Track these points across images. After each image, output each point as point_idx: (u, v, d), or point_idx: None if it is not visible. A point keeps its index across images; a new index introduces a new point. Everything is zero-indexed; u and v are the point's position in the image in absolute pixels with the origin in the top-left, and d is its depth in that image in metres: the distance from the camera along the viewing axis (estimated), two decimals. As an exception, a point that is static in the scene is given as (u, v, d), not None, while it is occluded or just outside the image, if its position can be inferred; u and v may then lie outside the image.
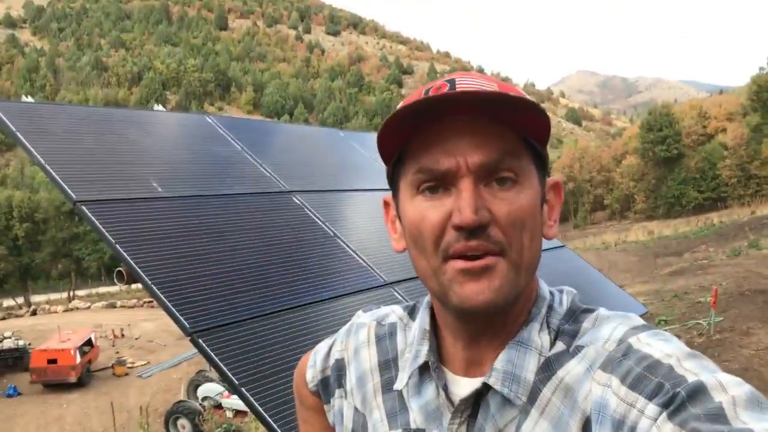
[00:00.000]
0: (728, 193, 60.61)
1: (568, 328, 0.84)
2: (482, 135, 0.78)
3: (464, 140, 0.78)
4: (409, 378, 0.91)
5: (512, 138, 0.79)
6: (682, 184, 62.98)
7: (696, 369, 0.69)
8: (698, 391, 0.65)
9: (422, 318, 0.95)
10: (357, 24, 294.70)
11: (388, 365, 0.98)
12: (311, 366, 1.12)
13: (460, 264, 0.77)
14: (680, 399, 0.65)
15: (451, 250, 0.78)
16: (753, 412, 0.62)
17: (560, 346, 0.82)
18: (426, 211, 0.80)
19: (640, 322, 0.82)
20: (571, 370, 0.79)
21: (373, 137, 7.53)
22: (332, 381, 1.07)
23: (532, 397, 0.81)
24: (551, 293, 0.90)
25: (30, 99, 4.73)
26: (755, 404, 0.63)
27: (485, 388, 0.83)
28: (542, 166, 0.85)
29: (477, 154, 0.77)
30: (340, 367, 1.05)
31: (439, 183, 0.79)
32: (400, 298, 4.43)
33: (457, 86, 0.80)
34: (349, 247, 4.71)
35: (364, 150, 6.57)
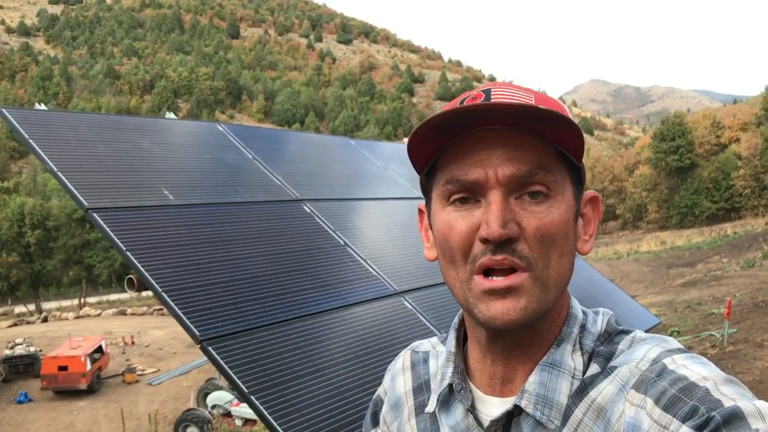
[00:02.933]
0: (742, 203, 60.24)
1: (603, 350, 0.83)
2: (514, 147, 0.77)
3: (496, 152, 0.77)
4: (438, 400, 0.91)
5: (545, 151, 0.78)
6: (695, 194, 62.66)
7: (733, 394, 0.67)
8: (735, 417, 0.63)
9: (449, 340, 0.96)
10: (368, 33, 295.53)
11: (420, 389, 1.00)
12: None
13: (486, 284, 0.77)
14: (715, 423, 0.63)
15: (477, 262, 0.77)
16: None
17: (595, 368, 0.81)
18: (455, 221, 0.79)
19: (677, 345, 0.80)
20: (603, 390, 0.78)
21: (383, 146, 7.52)
22: (369, 420, 1.11)
23: (564, 417, 0.79)
24: (584, 313, 0.89)
25: (43, 107, 4.75)
26: None
27: (516, 410, 0.82)
28: (578, 179, 0.84)
29: (508, 167, 0.76)
30: (376, 403, 1.10)
31: (469, 194, 0.79)
32: (410, 307, 4.41)
33: (492, 97, 0.80)
34: (359, 255, 4.69)
35: (375, 158, 6.56)
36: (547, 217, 0.77)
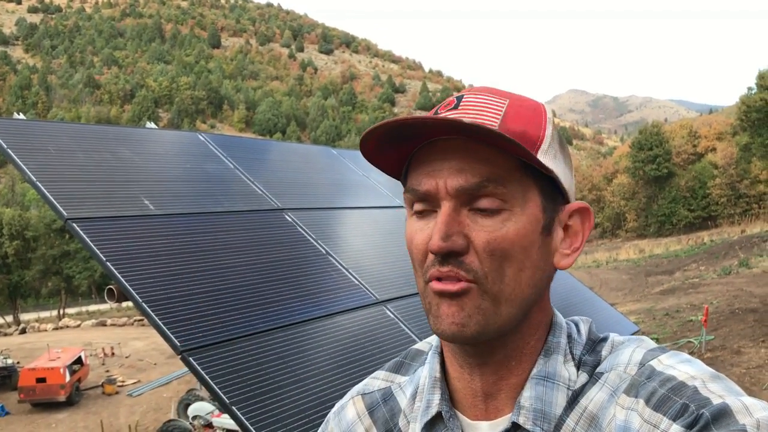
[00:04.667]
0: (718, 211, 60.90)
1: (589, 359, 0.82)
2: (469, 158, 0.74)
3: (449, 162, 0.75)
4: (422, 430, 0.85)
5: (503, 162, 0.74)
6: (673, 203, 63.26)
7: (721, 391, 0.69)
8: (723, 414, 0.65)
9: (431, 365, 0.89)
10: (350, 43, 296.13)
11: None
12: None
13: (437, 286, 0.75)
14: (704, 420, 0.65)
15: (428, 273, 0.76)
16: None
17: (584, 377, 0.80)
18: (414, 233, 0.79)
19: (655, 344, 0.81)
20: (594, 397, 0.78)
21: (365, 155, 7.54)
22: None
23: (556, 429, 0.77)
24: (567, 323, 0.87)
25: (22, 116, 4.72)
26: None
27: (513, 428, 0.79)
28: (551, 190, 0.80)
29: (457, 178, 0.74)
30: None
31: (427, 205, 0.77)
32: (392, 316, 4.42)
33: (461, 104, 0.78)
34: (341, 265, 4.70)
35: (357, 168, 6.58)
36: (499, 231, 0.74)
